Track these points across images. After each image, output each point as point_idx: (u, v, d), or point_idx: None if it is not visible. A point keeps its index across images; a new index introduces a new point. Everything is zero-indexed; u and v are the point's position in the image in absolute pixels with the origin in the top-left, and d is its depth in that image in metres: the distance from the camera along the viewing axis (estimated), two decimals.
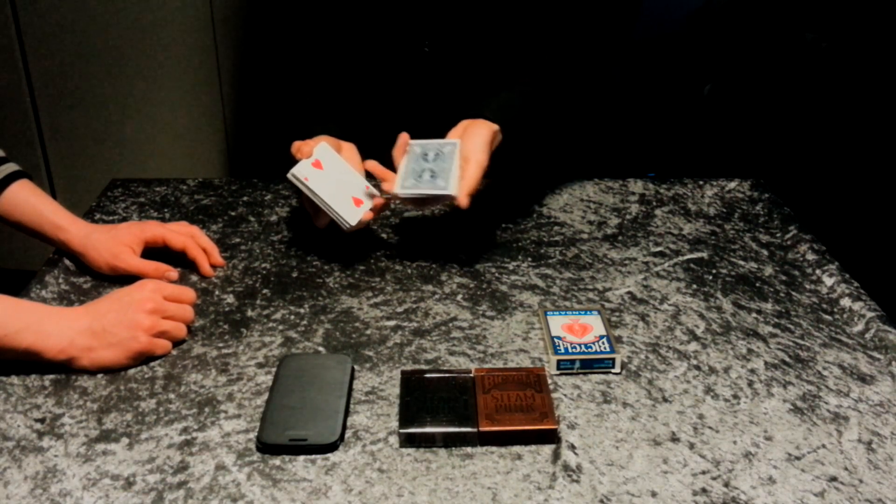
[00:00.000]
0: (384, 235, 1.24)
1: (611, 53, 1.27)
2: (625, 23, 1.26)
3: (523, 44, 1.26)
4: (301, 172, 1.08)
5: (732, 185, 1.41)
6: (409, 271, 1.15)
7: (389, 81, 1.31)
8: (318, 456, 0.82)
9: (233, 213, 1.30)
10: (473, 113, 1.15)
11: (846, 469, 0.82)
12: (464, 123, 1.14)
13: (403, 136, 1.13)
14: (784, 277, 1.15)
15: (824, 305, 1.09)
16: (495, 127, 1.13)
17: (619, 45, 1.27)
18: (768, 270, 1.17)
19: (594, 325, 0.99)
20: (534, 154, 1.37)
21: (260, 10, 1.27)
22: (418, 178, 1.09)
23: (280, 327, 1.02)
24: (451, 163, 1.10)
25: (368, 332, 1.02)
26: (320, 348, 0.99)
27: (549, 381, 0.93)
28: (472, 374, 0.91)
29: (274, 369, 0.94)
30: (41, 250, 1.16)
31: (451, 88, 1.29)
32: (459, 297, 1.09)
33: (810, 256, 1.19)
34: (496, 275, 1.14)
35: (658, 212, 1.33)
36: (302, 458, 0.82)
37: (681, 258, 1.19)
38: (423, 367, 0.95)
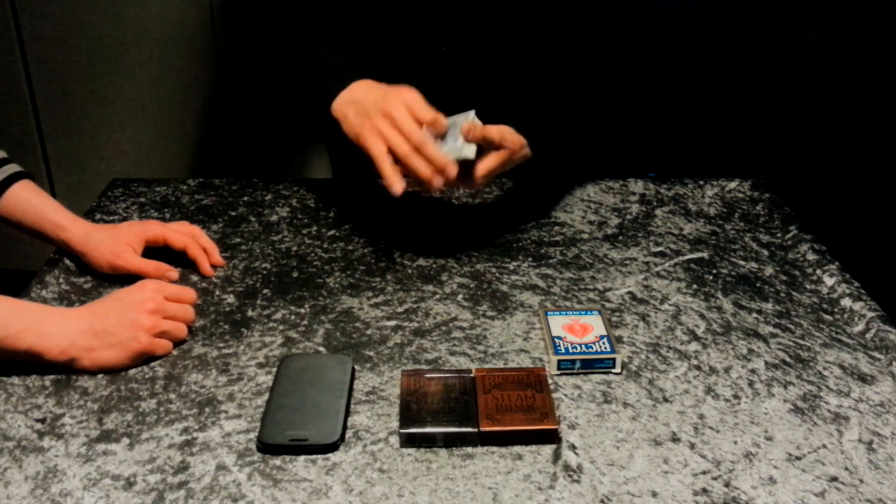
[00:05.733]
0: (384, 235, 1.24)
1: (627, 52, 1.27)
2: (640, 20, 1.25)
3: (540, 43, 1.26)
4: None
5: (733, 185, 1.41)
6: (410, 271, 1.15)
7: (406, 81, 1.31)
8: (319, 456, 0.82)
9: (233, 213, 1.30)
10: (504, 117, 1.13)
11: (847, 469, 0.82)
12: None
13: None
14: (784, 277, 1.15)
15: (825, 305, 1.09)
16: (522, 140, 1.12)
17: (634, 44, 1.27)
18: (769, 270, 1.17)
19: (594, 325, 0.99)
20: (559, 157, 1.35)
21: (264, 10, 1.26)
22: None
23: (280, 327, 1.02)
24: (459, 126, 1.08)
25: (369, 332, 1.02)
26: (321, 348, 0.99)
27: (550, 381, 0.93)
28: (472, 374, 0.91)
29: (274, 369, 0.94)
30: (42, 250, 1.16)
31: (468, 88, 1.28)
32: (460, 297, 1.09)
33: (811, 256, 1.19)
34: (496, 275, 1.14)
35: (658, 212, 1.33)
36: (302, 458, 0.82)
37: (681, 258, 1.19)
38: (424, 367, 0.95)
